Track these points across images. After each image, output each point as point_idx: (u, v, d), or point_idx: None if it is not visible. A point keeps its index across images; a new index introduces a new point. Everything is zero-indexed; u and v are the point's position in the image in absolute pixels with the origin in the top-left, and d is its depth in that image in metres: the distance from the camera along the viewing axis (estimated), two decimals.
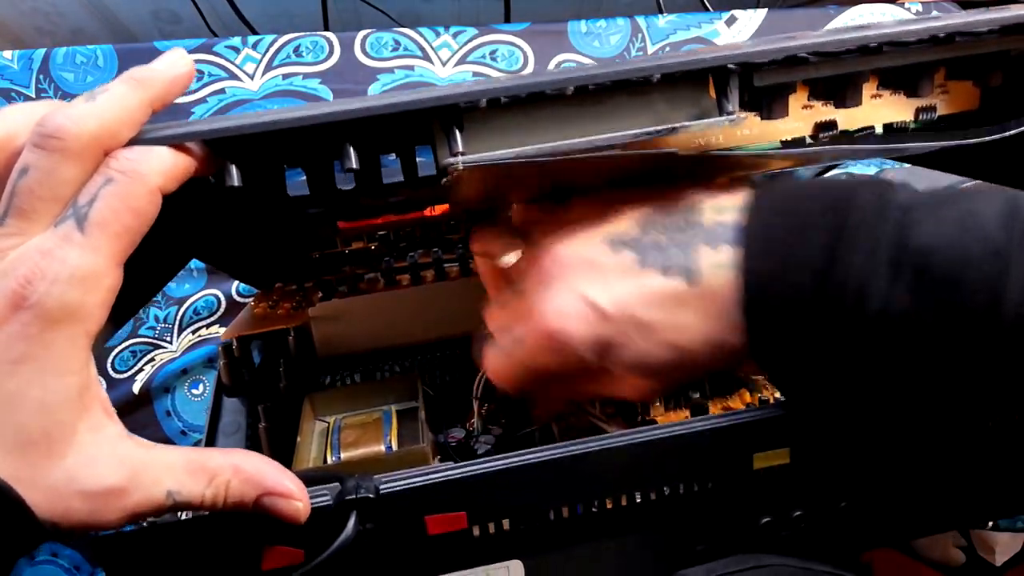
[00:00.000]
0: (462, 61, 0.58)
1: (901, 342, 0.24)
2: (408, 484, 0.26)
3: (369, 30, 0.58)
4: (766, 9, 0.62)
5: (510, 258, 0.33)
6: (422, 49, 0.58)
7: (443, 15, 0.82)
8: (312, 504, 0.25)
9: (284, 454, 0.35)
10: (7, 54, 0.53)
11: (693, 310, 0.27)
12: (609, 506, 0.28)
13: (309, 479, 0.26)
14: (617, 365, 0.28)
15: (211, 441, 0.38)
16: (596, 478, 0.27)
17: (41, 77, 0.54)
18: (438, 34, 0.58)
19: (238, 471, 0.24)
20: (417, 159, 0.25)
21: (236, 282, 0.56)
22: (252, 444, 0.38)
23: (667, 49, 0.61)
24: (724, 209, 0.29)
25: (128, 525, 0.23)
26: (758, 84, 0.26)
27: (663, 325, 0.28)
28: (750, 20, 0.62)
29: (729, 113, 0.26)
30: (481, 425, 0.37)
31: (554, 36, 0.59)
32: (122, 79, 0.24)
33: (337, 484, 0.26)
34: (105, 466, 0.22)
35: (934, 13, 0.63)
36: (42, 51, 0.54)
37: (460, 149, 0.24)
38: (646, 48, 0.61)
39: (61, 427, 0.22)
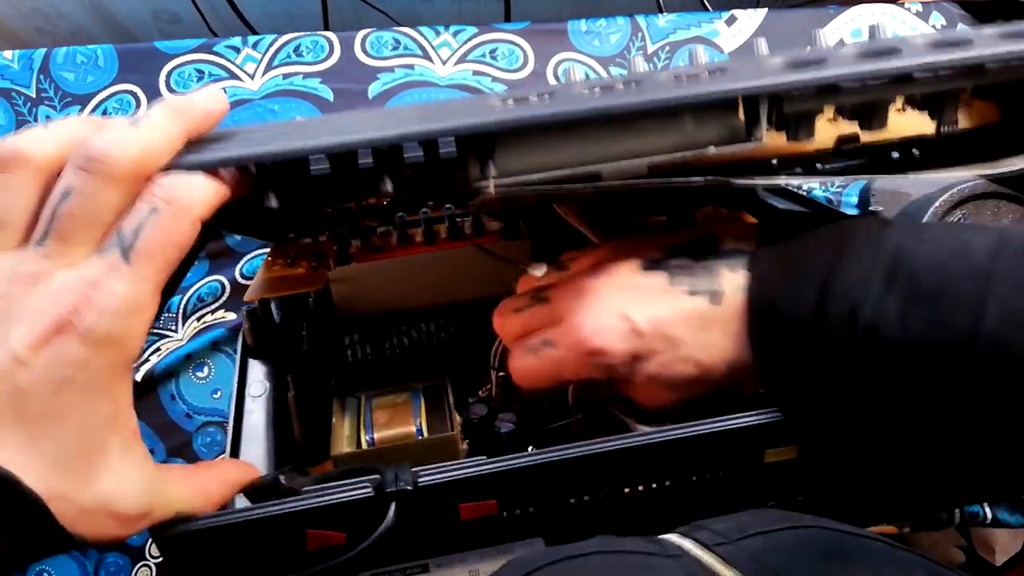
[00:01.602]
0: (462, 60, 0.58)
1: (892, 355, 0.25)
2: (444, 478, 0.27)
3: (369, 29, 0.58)
4: (766, 9, 0.62)
5: (537, 271, 0.35)
6: (422, 48, 0.58)
7: (443, 15, 0.82)
8: (354, 495, 0.27)
9: (311, 418, 0.37)
10: (7, 54, 0.53)
11: (715, 329, 0.29)
12: (627, 491, 0.29)
13: (349, 473, 0.28)
14: (642, 375, 0.30)
15: (240, 403, 0.39)
16: (622, 472, 0.29)
17: (41, 77, 0.54)
18: (438, 33, 0.58)
19: (222, 479, 0.28)
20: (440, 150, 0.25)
21: (239, 266, 0.56)
22: (279, 406, 0.39)
23: (667, 49, 0.61)
24: (742, 239, 0.31)
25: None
26: (787, 111, 0.27)
27: (689, 342, 0.30)
28: (750, 20, 0.62)
29: (757, 139, 0.26)
30: (498, 392, 0.39)
31: (554, 35, 0.59)
32: (162, 107, 0.24)
33: (377, 476, 0.27)
34: (134, 492, 0.24)
35: (933, 13, 0.64)
36: (42, 51, 0.54)
37: (493, 173, 0.25)
38: (646, 47, 0.61)
39: (97, 448, 0.23)
